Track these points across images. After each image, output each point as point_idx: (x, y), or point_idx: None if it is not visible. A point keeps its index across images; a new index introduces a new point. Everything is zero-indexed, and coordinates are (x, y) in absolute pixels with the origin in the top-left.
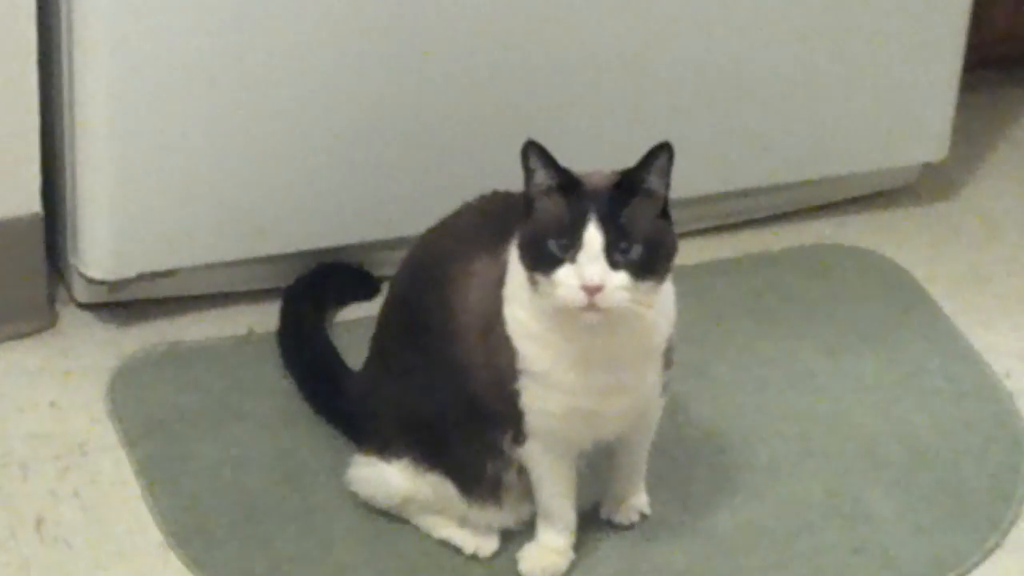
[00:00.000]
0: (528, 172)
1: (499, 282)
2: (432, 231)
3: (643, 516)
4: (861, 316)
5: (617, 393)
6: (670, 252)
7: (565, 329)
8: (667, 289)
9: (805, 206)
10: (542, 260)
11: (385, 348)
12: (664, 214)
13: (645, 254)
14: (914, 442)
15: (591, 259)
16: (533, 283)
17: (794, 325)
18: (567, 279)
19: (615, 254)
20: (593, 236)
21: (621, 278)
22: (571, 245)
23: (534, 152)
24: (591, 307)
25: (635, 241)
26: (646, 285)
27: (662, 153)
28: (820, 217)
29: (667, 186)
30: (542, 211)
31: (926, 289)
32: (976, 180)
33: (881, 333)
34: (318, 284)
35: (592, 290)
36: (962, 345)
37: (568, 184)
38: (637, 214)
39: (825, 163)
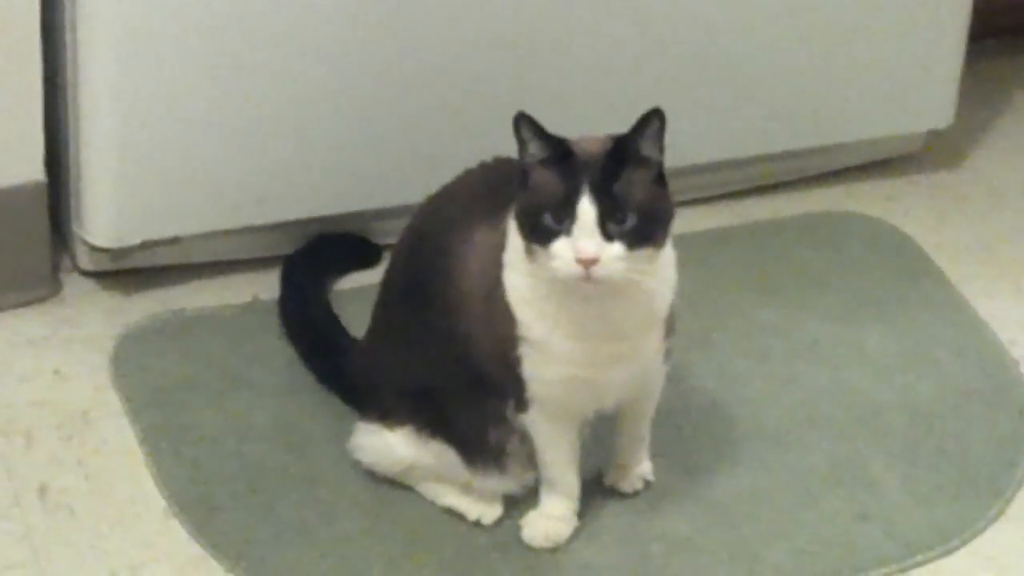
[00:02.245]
0: (521, 144)
1: (500, 249)
2: (433, 199)
3: (647, 484)
4: (866, 284)
5: (618, 361)
6: (666, 219)
7: (564, 298)
8: (668, 256)
9: (810, 174)
10: (538, 232)
11: (387, 316)
12: (660, 180)
13: (640, 223)
14: (918, 410)
15: (585, 232)
16: (530, 252)
17: (798, 294)
18: (563, 251)
19: (609, 225)
20: (586, 209)
21: (616, 249)
22: (565, 218)
23: (525, 124)
24: (587, 278)
25: (629, 211)
26: (643, 253)
27: (654, 119)
28: (825, 185)
29: (661, 151)
30: (536, 183)
31: (931, 257)
32: (982, 148)
33: (886, 301)
34: (318, 253)
35: (587, 262)
36: (967, 313)
37: (561, 154)
38: (631, 183)
39: (830, 130)
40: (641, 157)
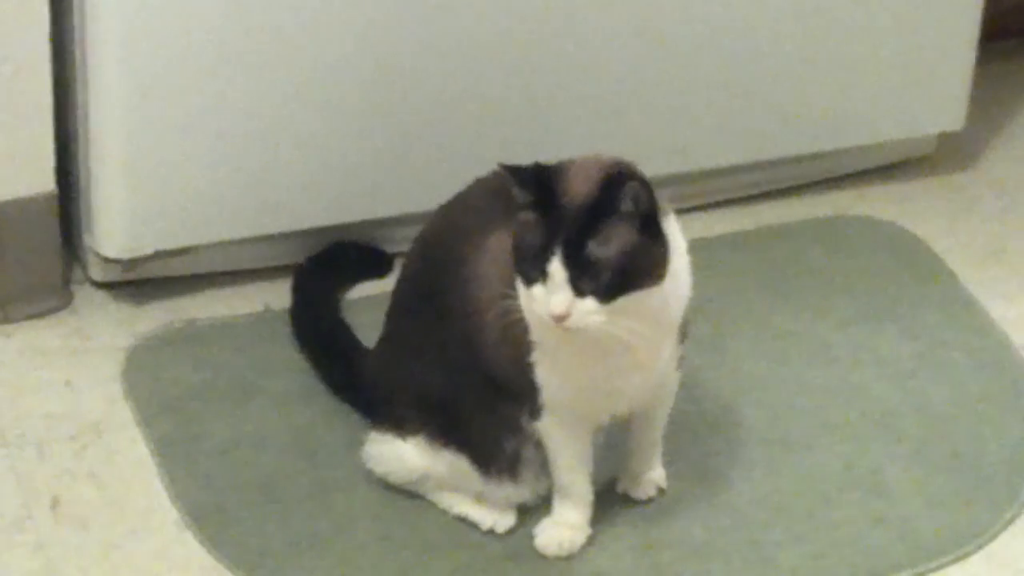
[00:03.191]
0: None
1: (511, 258)
2: (445, 207)
3: (660, 491)
4: (878, 288)
5: (632, 369)
6: (654, 263)
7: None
8: (681, 263)
9: (822, 177)
10: (520, 273)
11: (399, 325)
12: (647, 226)
13: (615, 278)
14: (932, 414)
15: (556, 288)
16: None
17: (811, 297)
18: (540, 298)
19: (580, 283)
20: (557, 269)
21: (588, 304)
22: (540, 272)
23: (507, 173)
24: (563, 329)
25: (602, 269)
26: (627, 299)
27: (629, 187)
28: (837, 188)
29: (648, 205)
30: (521, 225)
31: (943, 260)
32: (993, 150)
33: (899, 305)
34: (329, 262)
35: (557, 319)
36: (980, 316)
37: (542, 201)
38: (608, 240)
39: (842, 134)
40: (620, 212)
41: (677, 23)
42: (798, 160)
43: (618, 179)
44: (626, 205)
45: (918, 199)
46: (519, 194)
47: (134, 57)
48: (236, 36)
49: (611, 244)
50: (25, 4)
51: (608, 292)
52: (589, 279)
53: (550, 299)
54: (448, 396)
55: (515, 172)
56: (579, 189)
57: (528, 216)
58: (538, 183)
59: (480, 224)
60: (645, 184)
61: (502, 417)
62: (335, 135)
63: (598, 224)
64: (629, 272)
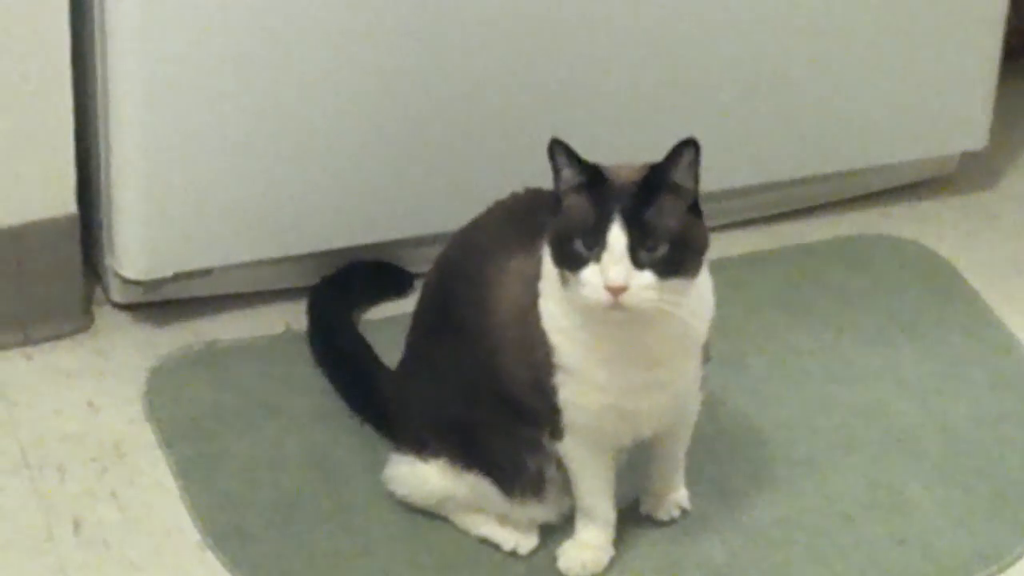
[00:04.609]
0: (555, 170)
1: (534, 278)
2: (465, 229)
3: (683, 511)
4: (900, 307)
5: (654, 390)
6: (699, 249)
7: (599, 326)
8: (705, 283)
9: (844, 197)
10: (569, 258)
11: (420, 347)
12: (694, 210)
13: (671, 252)
14: (954, 433)
15: (615, 259)
16: (563, 279)
17: (833, 316)
18: (592, 278)
19: (640, 253)
20: (617, 236)
21: (646, 277)
22: (596, 245)
23: (559, 150)
24: (616, 306)
25: (660, 240)
26: (673, 283)
27: (687, 149)
28: (859, 208)
29: (696, 181)
30: (569, 209)
31: (966, 279)
32: (1016, 169)
33: (920, 324)
34: (346, 281)
35: (616, 290)
36: (1002, 335)
37: (594, 181)
38: (663, 212)
39: (864, 153)
40: (674, 185)
41: (698, 42)
42: (820, 179)
43: (672, 154)
44: (679, 176)
45: (940, 218)
46: (569, 176)
47: (154, 79)
48: (256, 60)
49: (668, 216)
50: (46, 25)
51: (665, 266)
52: (648, 249)
53: (608, 271)
54: (468, 418)
55: (568, 150)
56: (626, 174)
57: (577, 198)
58: (589, 166)
59: (499, 247)
60: (698, 167)
61: (523, 438)
62: (355, 156)
63: (653, 196)
64: (682, 248)
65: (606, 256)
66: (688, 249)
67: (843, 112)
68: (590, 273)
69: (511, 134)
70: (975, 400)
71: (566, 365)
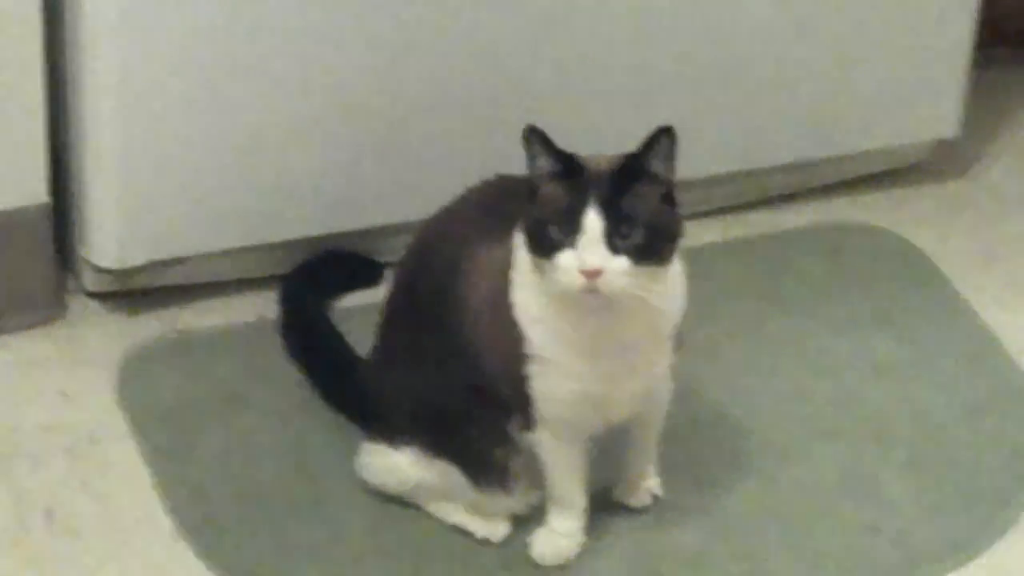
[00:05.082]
0: (530, 157)
1: (506, 267)
2: (436, 217)
3: (656, 498)
4: (873, 295)
5: (626, 378)
6: (674, 237)
7: (570, 314)
8: (676, 272)
9: (816, 185)
10: (544, 245)
11: (391, 336)
12: (669, 199)
13: (647, 238)
14: (928, 422)
15: (591, 243)
16: (537, 267)
17: (806, 305)
18: (567, 263)
19: (615, 239)
20: (593, 221)
21: (621, 263)
22: (571, 230)
23: (535, 137)
24: (591, 291)
25: (636, 225)
26: (648, 270)
27: (663, 137)
28: (831, 196)
29: (672, 170)
30: (544, 196)
31: (939, 267)
32: (989, 157)
33: (894, 312)
34: (317, 271)
35: (591, 274)
36: (976, 323)
37: (570, 169)
38: (639, 198)
39: (836, 141)
40: (650, 173)
41: (670, 31)
42: (792, 167)
43: (649, 142)
44: (655, 164)
45: (913, 206)
46: (544, 163)
47: (127, 68)
48: (229, 48)
49: (643, 203)
50: (18, 14)
51: (640, 252)
52: (623, 235)
53: (583, 255)
54: (439, 406)
55: (544, 138)
56: (602, 163)
57: (552, 186)
58: (564, 155)
59: (471, 234)
60: (674, 156)
61: (492, 428)
62: (326, 145)
63: (629, 183)
64: (657, 235)
65: (581, 241)
66: (663, 236)
67: (816, 100)
68: (565, 258)
69: (482, 122)
70: (949, 389)
71: (539, 354)
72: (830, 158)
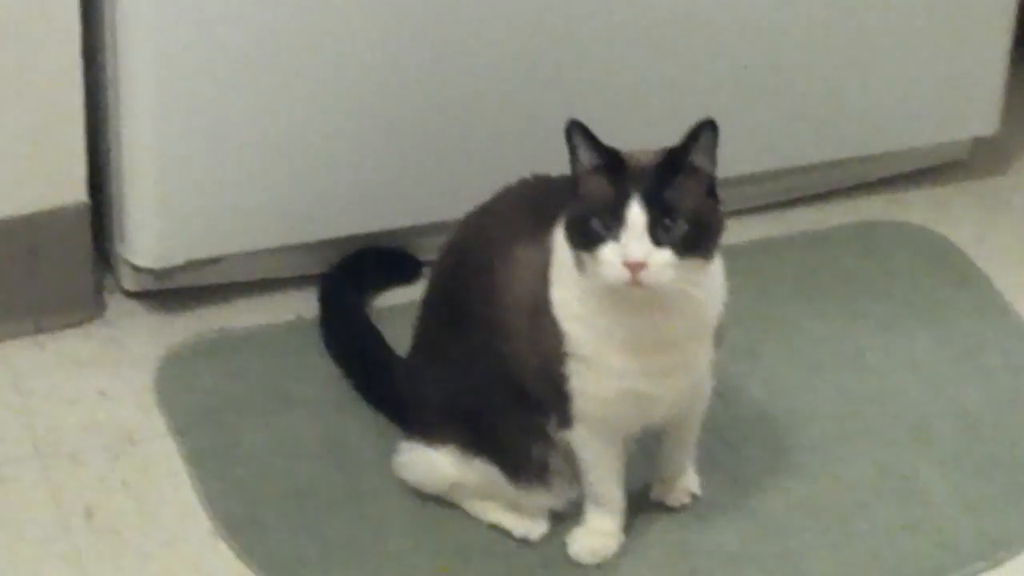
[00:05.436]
0: (572, 151)
1: (543, 266)
2: (472, 215)
3: (694, 497)
4: (912, 293)
5: (668, 374)
6: (716, 230)
7: (613, 310)
8: (717, 268)
9: (855, 183)
10: (587, 239)
11: (428, 335)
12: (711, 192)
13: (690, 231)
14: (967, 419)
15: (634, 236)
16: (579, 263)
17: (845, 303)
18: (610, 257)
19: (659, 231)
20: (636, 213)
21: (665, 255)
22: (615, 223)
23: (577, 131)
24: (635, 284)
25: (679, 218)
26: (691, 263)
27: (705, 130)
28: (870, 194)
29: (713, 164)
30: (587, 190)
31: (978, 265)
32: None
33: (933, 310)
34: (356, 269)
35: (635, 267)
36: (1015, 321)
37: (612, 163)
38: (682, 191)
39: (875, 139)
40: (693, 167)
41: (708, 29)
42: (831, 165)
43: (691, 135)
44: (698, 157)
45: (952, 204)
46: (586, 157)
47: (165, 68)
48: (266, 49)
49: (686, 195)
50: (57, 15)
51: (684, 245)
52: (667, 228)
53: (627, 248)
54: (476, 405)
55: (586, 131)
56: (644, 158)
57: (595, 179)
58: (606, 149)
59: (507, 233)
60: (713, 143)
61: (528, 426)
62: (364, 144)
63: (671, 176)
64: (700, 228)
65: (625, 233)
66: (706, 229)
67: (855, 98)
68: (609, 251)
69: (520, 121)
70: (988, 387)
71: (579, 353)
72: (869, 156)
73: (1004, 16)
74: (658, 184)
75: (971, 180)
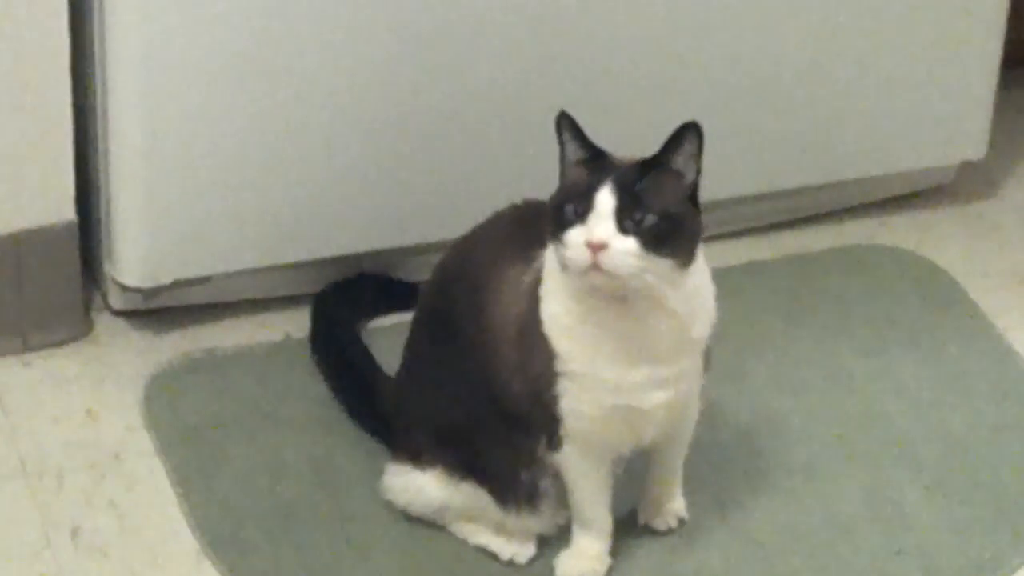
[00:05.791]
0: (560, 144)
1: (533, 287)
2: (463, 239)
3: (681, 521)
4: (899, 317)
5: (656, 388)
6: (690, 234)
7: (595, 314)
8: (706, 286)
9: (843, 206)
10: (559, 224)
11: (417, 356)
12: (692, 199)
13: (659, 227)
14: (953, 443)
15: (600, 219)
16: (559, 257)
17: (832, 326)
18: (576, 238)
19: (626, 220)
20: (605, 198)
21: (629, 243)
22: (584, 207)
23: (566, 124)
24: (596, 268)
25: (649, 211)
26: (659, 260)
27: (688, 133)
28: (858, 217)
29: (696, 170)
30: (567, 180)
31: (964, 289)
32: (1015, 178)
33: (919, 334)
34: (352, 290)
35: (596, 247)
36: (1001, 345)
37: (595, 157)
38: (656, 187)
39: (863, 163)
40: (673, 169)
41: (696, 52)
42: (819, 189)
43: (673, 137)
44: (678, 160)
45: (939, 228)
46: (572, 150)
47: (153, 86)
48: (255, 68)
49: (660, 192)
50: (45, 33)
51: (651, 239)
52: (634, 217)
53: (591, 229)
54: (464, 427)
55: (574, 125)
56: (627, 158)
57: (576, 171)
58: (593, 146)
59: (498, 255)
60: (700, 154)
61: (518, 448)
62: (355, 164)
63: (650, 172)
64: (672, 227)
65: (592, 217)
66: (677, 230)
67: (842, 121)
68: (576, 233)
69: (512, 143)
70: (974, 410)
71: (570, 369)
72: (856, 180)
73: (993, 41)
74: (633, 176)
75: (958, 204)
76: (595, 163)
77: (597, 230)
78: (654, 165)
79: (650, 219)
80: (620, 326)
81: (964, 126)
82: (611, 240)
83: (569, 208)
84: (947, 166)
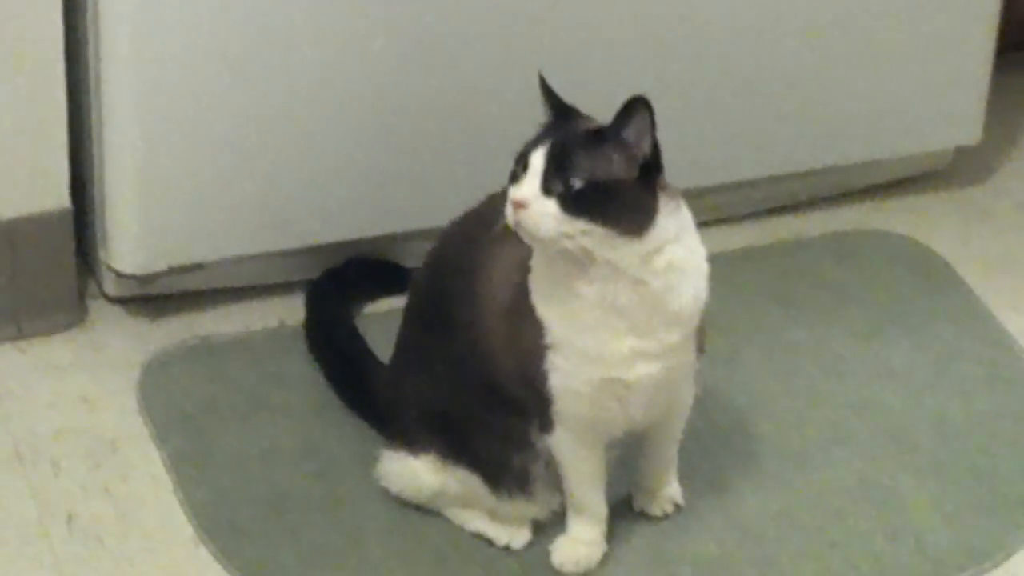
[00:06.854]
0: (543, 105)
1: (525, 262)
2: (455, 223)
3: (676, 507)
4: (893, 301)
5: (641, 360)
6: (635, 205)
7: (566, 279)
8: (691, 261)
9: (837, 192)
10: (512, 175)
11: (411, 341)
12: (643, 176)
13: (589, 193)
14: (946, 428)
15: (528, 180)
16: None
17: (825, 311)
18: (510, 196)
19: (551, 181)
20: (537, 159)
21: (549, 205)
22: (523, 168)
23: (541, 85)
24: (518, 226)
25: (577, 176)
26: (591, 227)
27: (637, 105)
28: (852, 203)
29: (648, 143)
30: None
31: (959, 273)
32: (1010, 164)
33: (913, 318)
34: (346, 276)
35: (517, 206)
36: (995, 329)
37: (558, 119)
38: (597, 155)
39: (857, 148)
40: (621, 142)
41: (691, 38)
42: (813, 174)
43: (621, 111)
44: (629, 133)
45: (933, 213)
46: (545, 109)
47: (147, 74)
48: (250, 55)
49: (599, 161)
50: (39, 21)
51: (573, 203)
52: (560, 179)
53: (519, 188)
54: (457, 413)
55: (547, 88)
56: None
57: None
58: (563, 108)
59: (490, 239)
60: (652, 129)
61: (510, 433)
62: (349, 151)
63: (596, 142)
64: (606, 199)
65: (525, 176)
66: (613, 201)
67: (837, 107)
68: (512, 191)
69: (506, 128)
70: (967, 395)
71: (555, 340)
72: (850, 165)
73: (987, 26)
74: (574, 142)
75: (953, 189)
76: (553, 125)
77: (521, 189)
78: (603, 135)
79: (576, 183)
80: (589, 292)
81: (959, 111)
82: (532, 200)
83: (518, 167)
84: (942, 151)
